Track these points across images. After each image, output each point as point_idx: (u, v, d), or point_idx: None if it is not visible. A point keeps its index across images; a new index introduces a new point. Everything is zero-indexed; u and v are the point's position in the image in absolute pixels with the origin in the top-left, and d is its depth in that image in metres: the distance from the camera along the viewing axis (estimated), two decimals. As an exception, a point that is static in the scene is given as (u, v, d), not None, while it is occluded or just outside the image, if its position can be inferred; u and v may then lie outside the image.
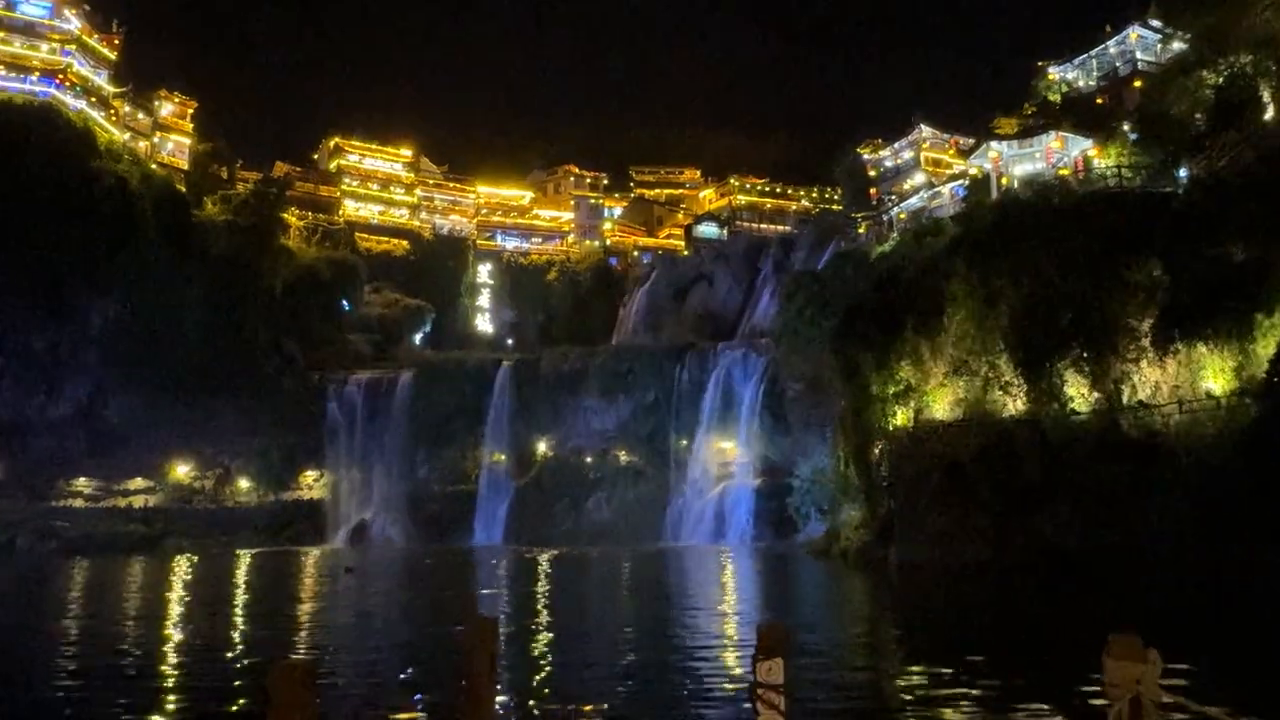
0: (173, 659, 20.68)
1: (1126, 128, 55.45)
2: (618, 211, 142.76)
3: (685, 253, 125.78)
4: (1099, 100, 73.56)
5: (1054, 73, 79.72)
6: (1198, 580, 27.31)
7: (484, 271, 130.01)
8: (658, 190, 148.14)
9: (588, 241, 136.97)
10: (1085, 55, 78.37)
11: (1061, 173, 65.48)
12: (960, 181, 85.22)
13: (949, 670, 17.71)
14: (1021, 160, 71.15)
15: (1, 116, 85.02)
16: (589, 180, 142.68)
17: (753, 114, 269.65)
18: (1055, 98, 77.11)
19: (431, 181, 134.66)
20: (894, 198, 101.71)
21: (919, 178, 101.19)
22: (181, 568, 52.45)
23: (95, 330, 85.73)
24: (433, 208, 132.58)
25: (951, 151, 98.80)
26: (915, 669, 18.63)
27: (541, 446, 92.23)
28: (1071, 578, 32.86)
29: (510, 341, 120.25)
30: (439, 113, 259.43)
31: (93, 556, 64.82)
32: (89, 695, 16.04)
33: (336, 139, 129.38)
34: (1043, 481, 37.71)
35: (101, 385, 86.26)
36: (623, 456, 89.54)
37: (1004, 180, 69.78)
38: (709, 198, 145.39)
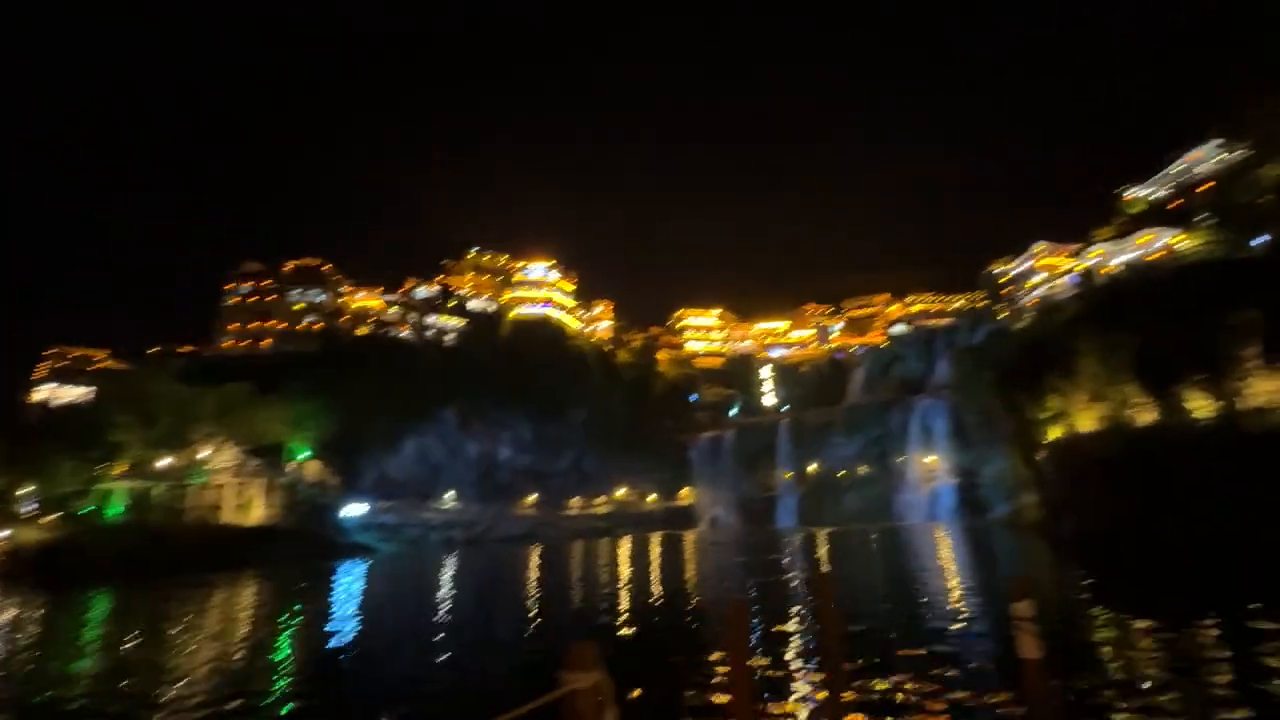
0: (643, 588, 21.56)
1: (1201, 218, 44.50)
2: (839, 327, 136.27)
3: (884, 344, 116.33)
4: (1173, 204, 59.92)
5: (1131, 193, 66.32)
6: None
7: (764, 371, 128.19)
8: (861, 310, 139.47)
9: (823, 346, 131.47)
10: (1157, 175, 64.51)
11: (1149, 258, 53.46)
12: (1072, 274, 72.22)
13: (1127, 612, 14.07)
14: (1119, 253, 59.24)
15: (527, 324, 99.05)
16: (820, 311, 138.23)
17: (914, 259, 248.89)
18: (1139, 208, 63.86)
19: (731, 325, 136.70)
20: (1023, 292, 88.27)
21: (1038, 277, 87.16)
22: (624, 545, 55.11)
23: (575, 423, 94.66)
24: (732, 338, 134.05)
25: (1063, 255, 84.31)
26: (1097, 607, 14.98)
27: (812, 467, 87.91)
28: (1207, 554, 23.54)
29: (785, 408, 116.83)
30: (737, 279, 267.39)
31: (580, 539, 70.20)
32: (596, 600, 17.02)
33: (682, 310, 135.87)
34: (1176, 472, 29.74)
35: (580, 452, 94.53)
36: (861, 470, 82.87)
37: (1104, 270, 58.19)
38: (895, 310, 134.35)
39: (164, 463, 55.11)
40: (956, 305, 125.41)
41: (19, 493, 51.98)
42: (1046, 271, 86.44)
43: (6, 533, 49.11)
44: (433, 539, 73.43)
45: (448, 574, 34.41)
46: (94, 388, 68.50)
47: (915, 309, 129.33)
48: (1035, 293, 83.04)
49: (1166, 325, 31.36)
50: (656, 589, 22.44)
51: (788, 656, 10.86)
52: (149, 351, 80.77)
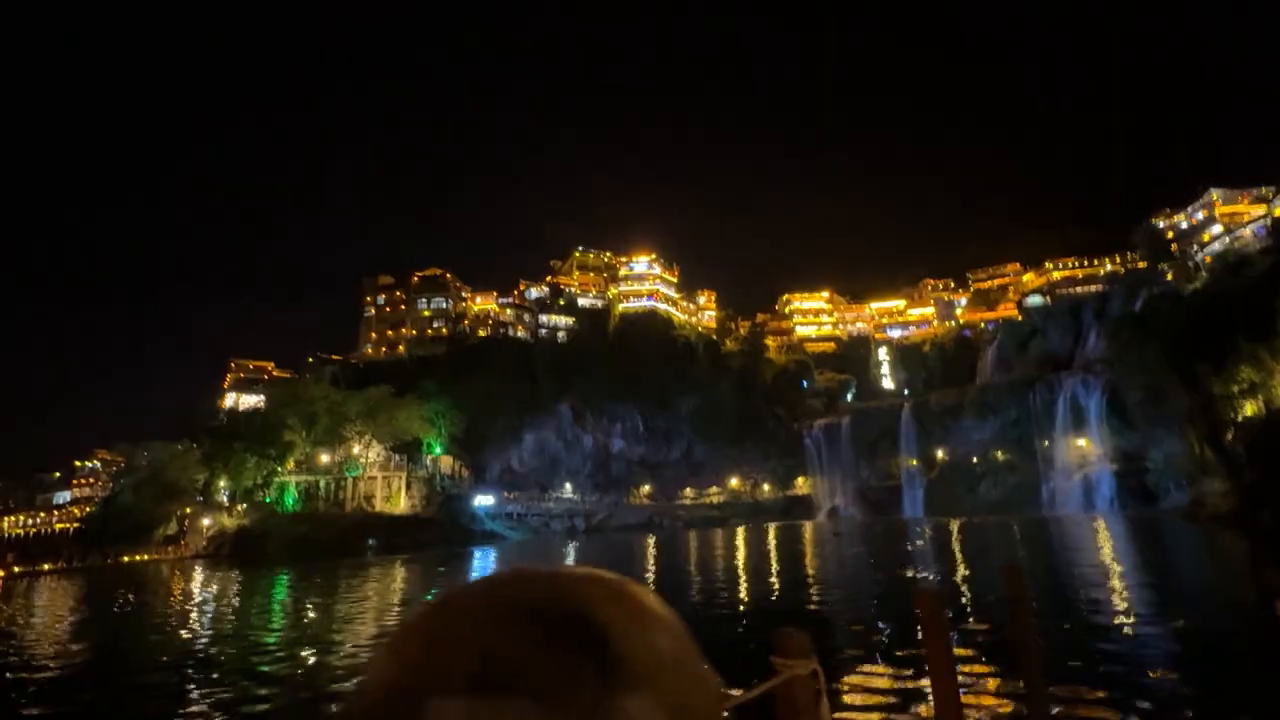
0: (763, 574, 21.02)
1: None
2: (963, 301, 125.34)
3: (1019, 318, 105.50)
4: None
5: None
6: None
7: (881, 352, 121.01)
8: (989, 282, 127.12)
9: (946, 323, 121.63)
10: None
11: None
12: (1260, 222, 61.16)
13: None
14: (1326, 192, 49.19)
15: (634, 318, 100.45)
16: (940, 285, 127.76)
17: (1045, 222, 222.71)
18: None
19: (841, 306, 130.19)
20: (1196, 248, 76.10)
21: (1216, 229, 74.71)
22: (739, 535, 54.33)
23: (684, 413, 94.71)
24: (844, 320, 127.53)
25: (1246, 202, 71.72)
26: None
27: (939, 453, 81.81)
28: None
29: (906, 391, 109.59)
30: (846, 260, 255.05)
31: (694, 529, 70.23)
32: (721, 587, 16.79)
33: (788, 295, 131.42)
34: None
35: (690, 442, 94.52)
36: (999, 456, 75.84)
37: (1309, 211, 48.59)
38: (1030, 279, 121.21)
39: (324, 458, 62.03)
40: (1106, 269, 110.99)
41: (219, 485, 60.85)
42: (1225, 222, 73.85)
43: (210, 519, 57.72)
44: (554, 527, 76.78)
45: (573, 558, 35.74)
46: (265, 395, 78.54)
47: (1055, 276, 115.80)
48: (1211, 247, 71.23)
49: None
50: (786, 579, 21.76)
51: (968, 657, 9.89)
52: (308, 361, 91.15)
